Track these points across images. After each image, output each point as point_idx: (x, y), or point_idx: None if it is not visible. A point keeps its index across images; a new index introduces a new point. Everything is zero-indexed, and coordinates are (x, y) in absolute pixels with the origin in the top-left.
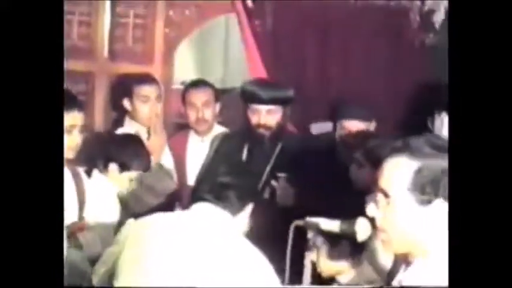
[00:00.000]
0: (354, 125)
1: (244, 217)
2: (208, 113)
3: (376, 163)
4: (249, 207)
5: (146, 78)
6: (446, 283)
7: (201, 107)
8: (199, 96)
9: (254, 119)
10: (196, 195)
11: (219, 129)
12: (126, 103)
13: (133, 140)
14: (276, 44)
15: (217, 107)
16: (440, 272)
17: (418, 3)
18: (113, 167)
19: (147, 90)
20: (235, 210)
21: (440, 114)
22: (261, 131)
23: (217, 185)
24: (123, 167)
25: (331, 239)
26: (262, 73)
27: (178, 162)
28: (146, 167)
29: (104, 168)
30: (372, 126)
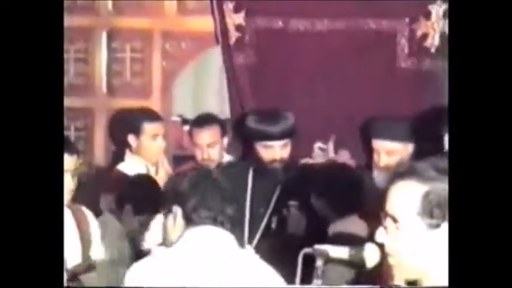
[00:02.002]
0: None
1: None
2: (214, 153)
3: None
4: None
5: (155, 116)
6: None
7: (207, 148)
8: (204, 137)
9: (268, 155)
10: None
11: (227, 158)
12: (131, 139)
13: (150, 182)
14: (262, 75)
15: (225, 141)
16: None
17: (407, 28)
18: (128, 208)
19: (156, 128)
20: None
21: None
22: (276, 165)
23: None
24: (137, 210)
25: None
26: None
27: None
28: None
29: (117, 209)
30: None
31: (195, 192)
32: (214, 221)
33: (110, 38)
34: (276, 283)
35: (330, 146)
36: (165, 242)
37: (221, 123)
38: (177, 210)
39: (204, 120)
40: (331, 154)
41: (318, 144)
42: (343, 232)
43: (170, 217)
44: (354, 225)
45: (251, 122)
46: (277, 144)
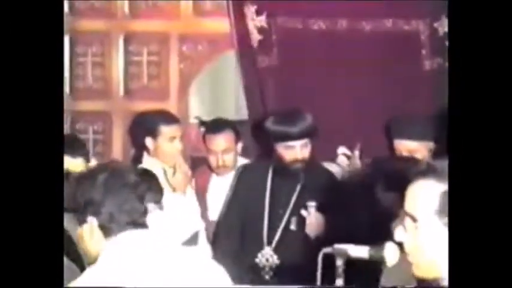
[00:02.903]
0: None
1: None
2: (228, 159)
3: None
4: None
5: (172, 118)
6: None
7: (221, 154)
8: (219, 143)
9: (289, 155)
10: None
11: (240, 161)
12: (148, 142)
13: (148, 175)
14: (284, 78)
15: (239, 146)
16: None
17: (429, 27)
18: None
19: (174, 130)
20: None
21: None
22: (297, 165)
23: None
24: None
25: None
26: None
27: (200, 196)
28: (159, 201)
29: None
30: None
31: (110, 198)
32: (135, 225)
33: (127, 41)
34: (216, 274)
35: (356, 153)
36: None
37: (235, 129)
38: (93, 220)
39: (218, 125)
40: (358, 162)
41: (342, 150)
42: None
43: (85, 228)
44: None
45: (270, 124)
46: (297, 144)
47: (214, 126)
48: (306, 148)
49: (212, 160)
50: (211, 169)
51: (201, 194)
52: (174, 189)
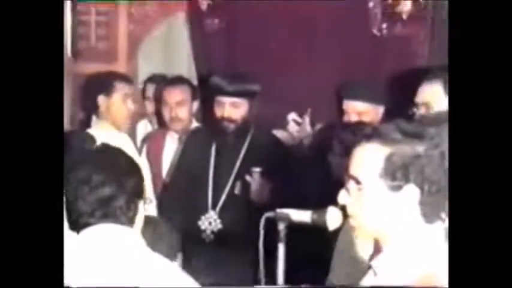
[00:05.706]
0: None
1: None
2: (182, 112)
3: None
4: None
5: (127, 78)
6: (419, 268)
7: (175, 105)
8: (173, 95)
9: (218, 112)
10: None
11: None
12: (101, 100)
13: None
14: (233, 42)
15: (195, 105)
16: (411, 257)
17: None
18: None
19: (128, 88)
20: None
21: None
22: (225, 124)
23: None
24: None
25: None
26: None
27: (154, 160)
28: None
29: None
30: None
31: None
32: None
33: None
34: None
35: (306, 120)
36: None
37: (191, 85)
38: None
39: (174, 79)
40: (308, 128)
41: (292, 116)
42: None
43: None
44: None
45: (212, 79)
46: (227, 101)
47: (171, 80)
48: (237, 109)
49: (166, 113)
50: (164, 130)
51: (154, 158)
52: None
